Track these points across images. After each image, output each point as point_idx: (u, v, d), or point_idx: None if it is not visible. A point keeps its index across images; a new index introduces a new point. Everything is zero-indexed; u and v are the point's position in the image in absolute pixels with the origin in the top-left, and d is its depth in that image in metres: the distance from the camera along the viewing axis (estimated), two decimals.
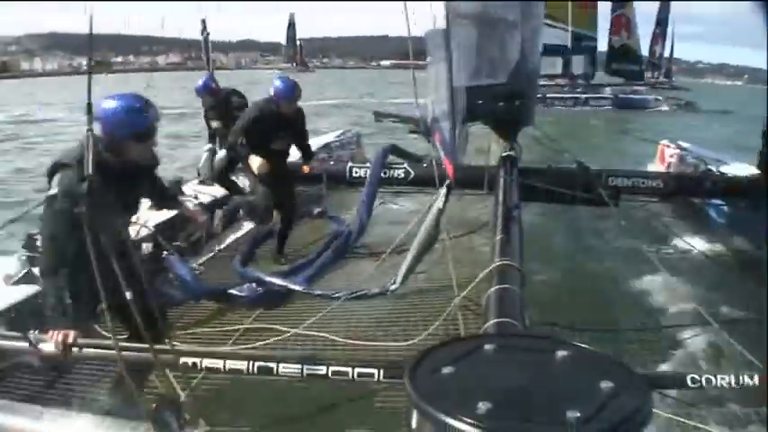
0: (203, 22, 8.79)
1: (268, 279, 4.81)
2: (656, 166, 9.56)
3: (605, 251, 7.36)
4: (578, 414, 1.25)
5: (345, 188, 7.30)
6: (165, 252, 5.13)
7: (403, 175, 6.82)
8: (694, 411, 3.68)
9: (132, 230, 5.00)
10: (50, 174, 2.93)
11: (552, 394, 1.36)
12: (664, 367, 4.11)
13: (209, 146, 7.28)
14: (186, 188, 6.43)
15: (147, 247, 5.14)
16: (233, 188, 6.59)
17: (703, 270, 6.70)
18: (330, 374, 2.45)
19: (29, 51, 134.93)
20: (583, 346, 1.61)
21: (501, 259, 3.51)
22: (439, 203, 4.23)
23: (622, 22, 35.46)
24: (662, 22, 43.80)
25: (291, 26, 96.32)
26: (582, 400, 1.31)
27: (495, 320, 2.81)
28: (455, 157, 5.11)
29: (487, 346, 1.53)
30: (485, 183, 5.95)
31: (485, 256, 4.01)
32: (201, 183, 6.80)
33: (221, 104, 7.21)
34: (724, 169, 7.76)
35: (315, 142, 9.46)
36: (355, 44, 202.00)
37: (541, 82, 30.62)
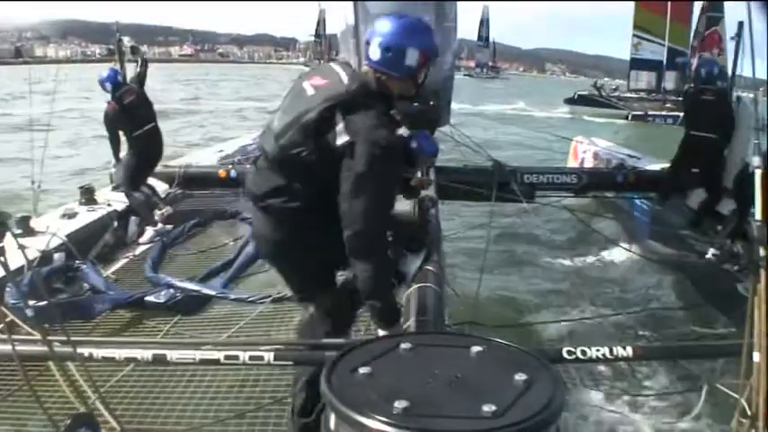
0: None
1: (182, 284, 4.69)
2: (569, 163, 9.86)
3: (521, 246, 7.55)
4: (494, 407, 1.27)
5: None
6: (77, 261, 4.97)
7: None
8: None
9: (43, 241, 4.84)
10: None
11: (468, 389, 1.37)
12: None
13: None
14: (98, 195, 6.22)
15: (59, 257, 4.94)
16: (135, 196, 6.34)
17: (614, 260, 6.98)
18: (223, 359, 2.49)
19: (44, 38, 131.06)
20: (497, 340, 1.64)
21: None
22: None
23: (715, 39, 35.05)
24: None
25: (322, 22, 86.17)
26: (497, 394, 1.33)
27: (415, 320, 2.84)
28: None
29: (403, 345, 1.53)
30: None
31: None
32: (115, 189, 6.55)
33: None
34: (637, 165, 8.08)
35: (231, 144, 9.37)
36: None
37: (630, 95, 32.46)
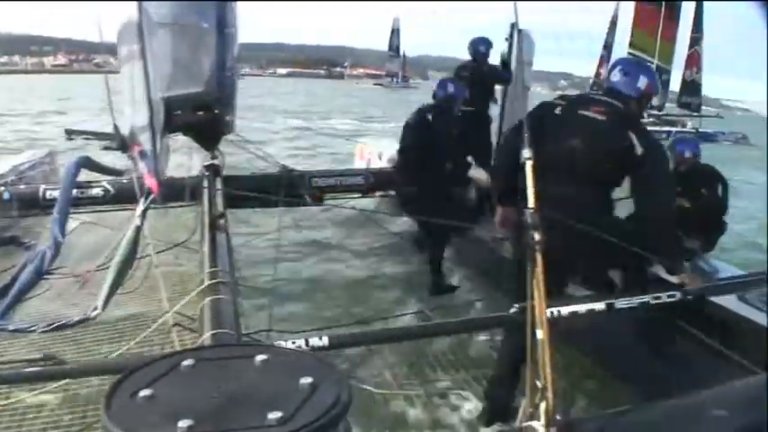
0: None
1: None
2: (356, 165, 10.17)
3: (314, 250, 7.67)
4: (280, 414, 1.28)
5: (40, 213, 6.68)
6: None
7: (102, 194, 6.45)
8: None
9: None
10: None
11: (253, 399, 1.38)
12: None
13: None
14: None
15: None
16: None
17: (407, 257, 7.30)
18: None
19: None
20: (281, 347, 1.65)
21: (211, 270, 3.48)
22: (137, 219, 4.05)
23: (695, 58, 37.94)
24: (608, 46, 46.60)
25: (396, 32, 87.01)
26: (283, 400, 1.34)
27: (210, 333, 2.78)
28: (158, 171, 4.94)
29: (185, 363, 1.49)
30: (189, 194, 5.85)
31: (195, 268, 3.96)
32: None
33: None
34: None
35: (2, 165, 8.58)
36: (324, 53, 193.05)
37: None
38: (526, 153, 2.52)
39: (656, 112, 33.93)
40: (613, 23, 48.78)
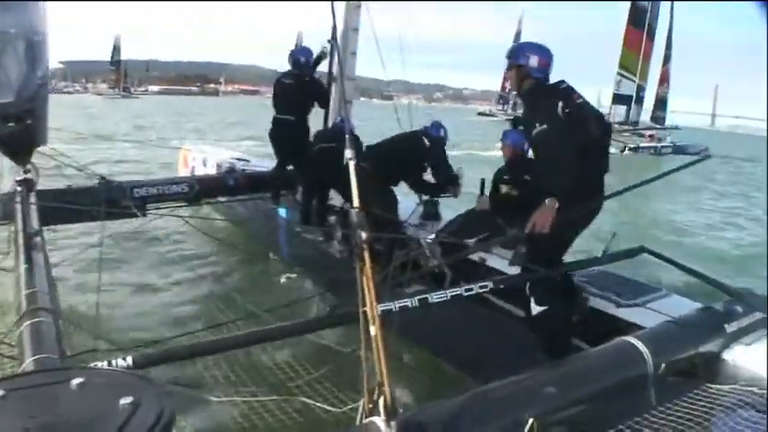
0: None
1: None
2: (180, 172, 9.96)
3: (141, 264, 7.48)
4: None
5: None
6: None
7: None
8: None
9: None
10: None
11: (70, 426, 1.35)
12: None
13: None
14: None
15: None
16: None
17: (238, 267, 7.31)
18: None
19: None
20: (98, 368, 1.62)
21: (28, 292, 3.36)
22: None
23: (666, 75, 41.10)
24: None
25: (117, 49, 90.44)
26: (102, 424, 1.33)
27: (32, 358, 2.69)
28: None
29: None
30: (0, 212, 5.56)
31: (9, 290, 3.81)
32: None
33: None
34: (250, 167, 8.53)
35: None
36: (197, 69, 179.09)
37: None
38: (348, 154, 2.51)
39: (628, 127, 37.58)
40: (518, 37, 52.03)
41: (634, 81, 37.38)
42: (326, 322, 3.72)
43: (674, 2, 38.90)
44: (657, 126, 40.83)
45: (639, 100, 38.84)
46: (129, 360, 2.70)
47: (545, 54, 4.27)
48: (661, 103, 42.24)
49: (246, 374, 4.46)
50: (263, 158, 9.63)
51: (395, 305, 3.45)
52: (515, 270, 4.76)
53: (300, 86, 7.59)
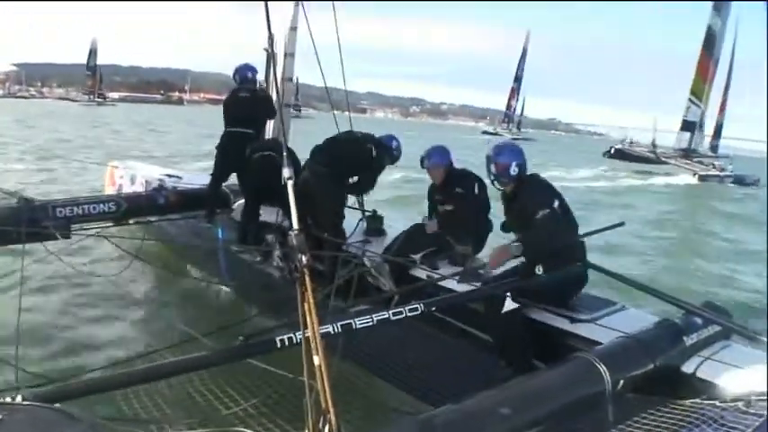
0: None
1: None
2: (107, 190, 9.56)
3: (64, 290, 7.10)
4: None
5: None
6: None
7: None
8: None
9: None
10: None
11: None
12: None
13: None
14: None
15: None
16: None
17: (171, 287, 7.01)
18: None
19: None
20: (18, 403, 1.50)
21: None
22: None
23: (725, 103, 41.28)
24: (519, 78, 50.62)
25: (93, 52, 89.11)
26: None
27: None
28: None
29: None
30: None
31: None
32: None
33: None
34: (181, 185, 8.21)
35: None
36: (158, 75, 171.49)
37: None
38: (286, 173, 2.45)
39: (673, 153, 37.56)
40: (523, 56, 52.79)
41: (700, 107, 37.46)
42: (266, 347, 3.52)
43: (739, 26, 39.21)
44: (710, 154, 40.31)
45: (701, 127, 38.78)
46: (51, 393, 2.47)
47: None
48: (717, 130, 42.14)
49: (179, 403, 4.15)
50: (198, 173, 9.29)
51: (337, 326, 3.31)
52: (464, 288, 4.66)
53: (255, 101, 7.59)
